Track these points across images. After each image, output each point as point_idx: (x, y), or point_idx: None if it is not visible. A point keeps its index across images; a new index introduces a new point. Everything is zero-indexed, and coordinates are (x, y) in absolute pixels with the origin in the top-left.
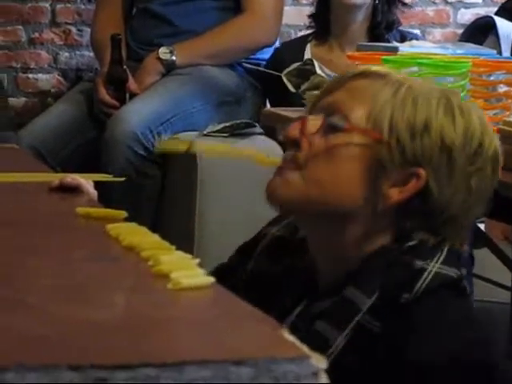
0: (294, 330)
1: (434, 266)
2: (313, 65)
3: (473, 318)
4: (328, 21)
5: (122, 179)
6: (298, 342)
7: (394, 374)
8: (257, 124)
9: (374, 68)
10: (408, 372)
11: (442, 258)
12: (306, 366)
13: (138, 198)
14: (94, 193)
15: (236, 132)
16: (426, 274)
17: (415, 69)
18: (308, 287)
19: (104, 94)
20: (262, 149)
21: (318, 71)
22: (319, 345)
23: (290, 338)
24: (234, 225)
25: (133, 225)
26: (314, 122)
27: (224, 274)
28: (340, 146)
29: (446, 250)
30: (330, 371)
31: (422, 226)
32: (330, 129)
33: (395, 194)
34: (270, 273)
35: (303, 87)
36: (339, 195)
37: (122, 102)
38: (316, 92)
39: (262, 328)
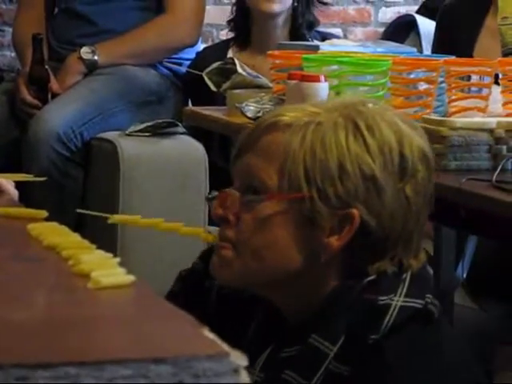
0: (262, 376)
1: (399, 301)
2: (234, 64)
3: (447, 343)
4: (248, 28)
5: (43, 179)
6: (218, 340)
7: None
8: (179, 123)
9: (279, 118)
10: None
11: (405, 290)
12: (226, 363)
13: (60, 198)
14: (14, 192)
15: (158, 131)
16: (391, 310)
17: (335, 67)
18: (273, 321)
19: (26, 94)
20: (185, 149)
21: (239, 70)
22: None
23: (210, 335)
24: None
25: (53, 224)
26: (234, 195)
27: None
28: (265, 217)
29: (408, 278)
30: None
31: (374, 256)
32: (250, 202)
33: (334, 243)
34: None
35: (224, 86)
36: (279, 262)
37: (44, 101)
38: (237, 91)
39: (183, 326)
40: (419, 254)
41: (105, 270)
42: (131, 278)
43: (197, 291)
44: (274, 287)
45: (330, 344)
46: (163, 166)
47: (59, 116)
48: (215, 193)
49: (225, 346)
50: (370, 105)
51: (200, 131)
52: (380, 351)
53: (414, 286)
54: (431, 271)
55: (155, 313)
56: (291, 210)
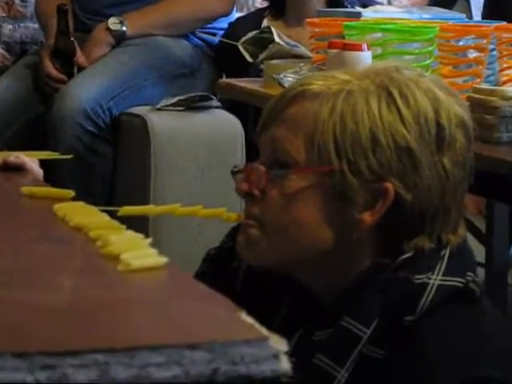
0: (294, 360)
1: (436, 279)
2: (271, 33)
3: (490, 324)
4: None
5: (69, 156)
6: (256, 324)
7: None
8: (213, 97)
9: (307, 86)
10: None
11: (443, 268)
12: (265, 348)
13: (88, 177)
14: (39, 171)
15: (191, 105)
16: (428, 289)
17: (379, 35)
18: (304, 302)
19: (50, 68)
20: (220, 124)
21: (277, 39)
22: (322, 380)
23: (248, 319)
24: (190, 201)
25: (80, 204)
26: (260, 169)
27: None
28: (293, 192)
29: (446, 255)
30: None
31: (410, 233)
32: (277, 176)
33: (367, 218)
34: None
35: (261, 56)
36: (308, 240)
37: (70, 75)
38: (275, 61)
39: (218, 310)
40: (458, 229)
41: (135, 251)
42: (163, 259)
43: (225, 272)
44: (304, 266)
45: (364, 326)
46: (197, 141)
47: (86, 91)
48: (240, 166)
49: (263, 330)
50: (405, 71)
51: (235, 105)
52: (416, 334)
53: (454, 263)
54: (471, 247)
55: (189, 296)
56: (320, 184)
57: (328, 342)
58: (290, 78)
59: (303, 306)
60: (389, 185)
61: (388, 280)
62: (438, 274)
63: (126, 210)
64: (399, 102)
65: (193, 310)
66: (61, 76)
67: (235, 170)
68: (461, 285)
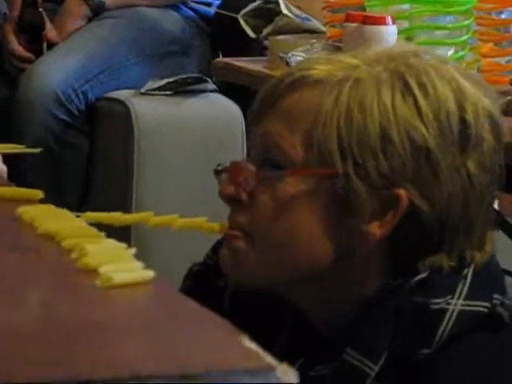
0: None
1: (457, 304)
2: (277, 3)
3: None
4: None
5: (38, 150)
6: (260, 350)
7: None
8: (209, 79)
9: (306, 72)
10: None
11: (465, 290)
12: (272, 379)
13: (59, 174)
14: (1, 168)
15: (182, 89)
16: (447, 316)
17: (406, 6)
18: (302, 330)
19: (15, 44)
20: (216, 110)
21: (284, 11)
22: None
23: (251, 344)
24: (180, 203)
25: (51, 207)
26: (249, 169)
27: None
28: (287, 197)
29: (470, 275)
30: None
31: (426, 249)
32: (269, 178)
33: (376, 230)
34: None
35: (266, 31)
36: (305, 256)
37: (38, 53)
38: (282, 37)
39: (215, 333)
40: (485, 245)
41: (117, 263)
42: (150, 273)
43: (210, 291)
44: (299, 288)
45: (371, 361)
46: (188, 132)
47: (57, 71)
48: (225, 164)
49: (269, 358)
50: (424, 56)
51: (234, 89)
52: (432, 370)
53: (478, 284)
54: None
55: (181, 317)
56: (320, 189)
57: (329, 379)
58: (299, 58)
59: (301, 335)
60: (402, 192)
61: (399, 306)
62: (458, 298)
63: (89, 216)
64: (417, 92)
65: (186, 334)
66: (27, 54)
67: (219, 168)
68: (486, 310)
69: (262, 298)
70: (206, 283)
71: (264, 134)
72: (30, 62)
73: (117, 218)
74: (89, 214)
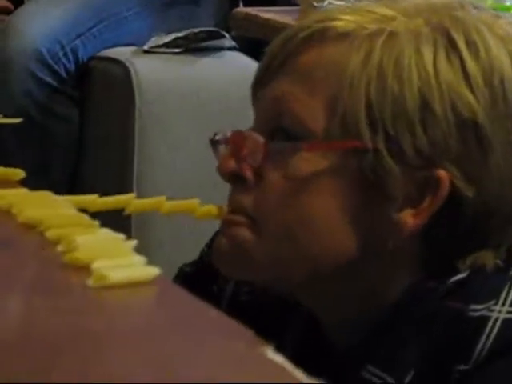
0: None
1: (502, 311)
2: None
3: None
4: None
5: (18, 120)
6: (288, 365)
7: None
8: (226, 34)
9: (329, 23)
10: None
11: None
12: None
13: (44, 150)
14: None
15: (194, 46)
16: (489, 326)
17: None
18: (315, 343)
19: None
20: (234, 71)
21: None
22: None
23: (276, 357)
24: (191, 182)
25: (35, 192)
26: (256, 140)
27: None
28: (302, 176)
29: None
30: None
31: (468, 244)
32: (280, 152)
33: (409, 220)
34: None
35: None
36: (322, 248)
37: (18, 2)
38: None
39: (234, 344)
40: None
41: (113, 258)
42: (153, 270)
43: (203, 297)
44: (313, 288)
45: (395, 379)
46: (201, 97)
47: (40, 24)
48: (225, 133)
49: (298, 373)
50: (474, 9)
51: (257, 45)
52: None
53: None
54: None
55: (192, 323)
56: (344, 166)
57: None
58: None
59: (309, 346)
60: (443, 173)
61: (432, 312)
62: (503, 304)
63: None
64: (465, 53)
65: (198, 344)
66: (4, 2)
67: (217, 138)
68: None
69: (265, 303)
70: (198, 288)
71: (275, 98)
72: (7, 13)
73: (92, 201)
74: (66, 197)
